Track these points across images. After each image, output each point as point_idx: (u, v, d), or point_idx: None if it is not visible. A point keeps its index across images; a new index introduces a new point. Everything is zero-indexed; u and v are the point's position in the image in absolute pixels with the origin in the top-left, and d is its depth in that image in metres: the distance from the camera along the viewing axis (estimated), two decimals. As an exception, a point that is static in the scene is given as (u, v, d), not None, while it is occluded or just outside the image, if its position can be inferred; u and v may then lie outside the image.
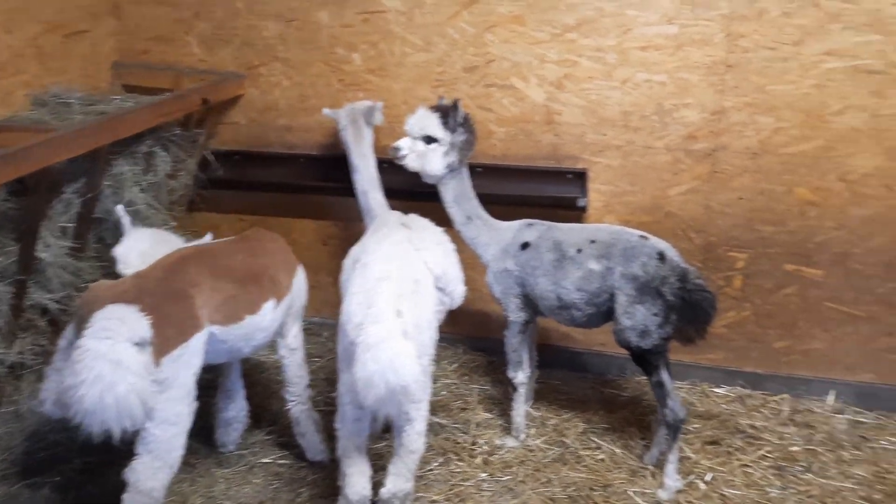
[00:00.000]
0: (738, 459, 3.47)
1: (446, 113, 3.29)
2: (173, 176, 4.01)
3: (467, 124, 3.34)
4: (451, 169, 3.34)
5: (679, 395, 3.35)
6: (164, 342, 2.56)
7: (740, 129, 3.67)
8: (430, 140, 3.30)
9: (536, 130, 3.93)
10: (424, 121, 3.31)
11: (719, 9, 3.55)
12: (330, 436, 3.00)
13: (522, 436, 3.55)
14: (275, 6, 4.09)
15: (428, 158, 3.31)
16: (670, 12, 3.61)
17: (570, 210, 3.85)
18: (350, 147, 3.60)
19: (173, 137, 3.94)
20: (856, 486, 3.32)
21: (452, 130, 3.29)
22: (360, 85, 4.06)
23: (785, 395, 3.93)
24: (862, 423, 3.77)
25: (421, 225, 3.01)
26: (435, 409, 3.76)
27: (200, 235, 3.35)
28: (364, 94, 3.97)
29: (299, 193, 4.32)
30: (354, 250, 2.88)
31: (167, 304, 2.62)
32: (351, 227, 4.08)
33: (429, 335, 2.67)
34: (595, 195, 3.93)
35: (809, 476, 3.39)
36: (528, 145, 3.95)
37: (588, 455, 3.49)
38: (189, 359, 2.64)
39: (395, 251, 2.70)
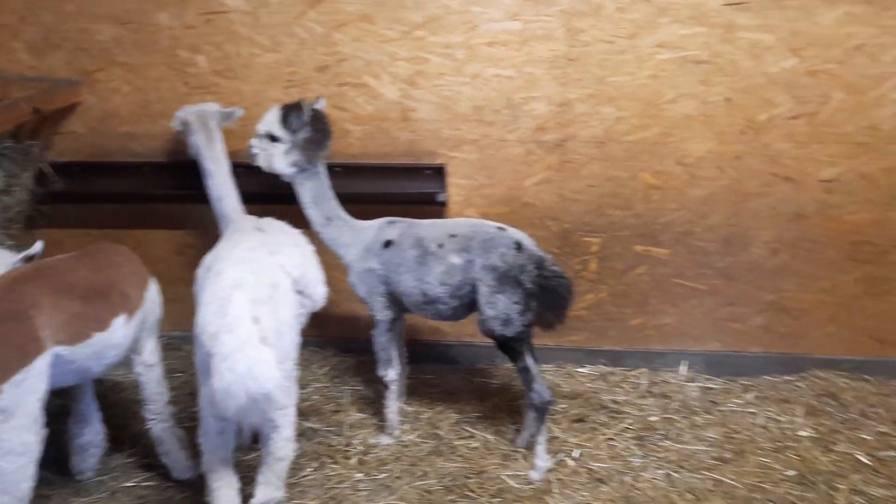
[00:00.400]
0: (602, 434, 3.64)
1: (289, 111, 3.26)
2: (6, 192, 3.73)
3: (315, 123, 3.30)
4: (299, 168, 3.31)
5: (545, 378, 3.47)
6: (3, 367, 2.38)
7: (585, 119, 3.84)
8: (273, 139, 3.28)
9: (392, 128, 3.94)
10: (267, 119, 3.30)
11: (559, 4, 3.70)
12: (196, 452, 2.89)
13: (397, 432, 3.56)
14: (108, 8, 3.87)
15: (273, 157, 3.28)
16: (513, 9, 3.72)
17: (430, 206, 3.89)
18: (202, 152, 3.48)
19: (4, 150, 3.68)
20: (708, 448, 3.57)
21: (293, 129, 3.26)
22: (208, 88, 3.92)
23: (643, 369, 4.16)
24: (711, 388, 4.05)
25: (276, 228, 2.96)
26: (306, 413, 3.71)
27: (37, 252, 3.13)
28: (212, 98, 3.83)
29: (149, 203, 4.13)
30: (207, 258, 2.79)
31: (4, 326, 2.44)
32: (207, 234, 3.94)
33: (290, 339, 2.63)
34: (454, 189, 4.00)
35: (667, 443, 3.60)
36: (385, 143, 3.96)
37: (462, 444, 3.55)
38: (33, 383, 2.47)
39: (248, 256, 2.64)
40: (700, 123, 3.80)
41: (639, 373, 4.15)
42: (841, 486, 3.29)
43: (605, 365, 4.19)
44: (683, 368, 4.15)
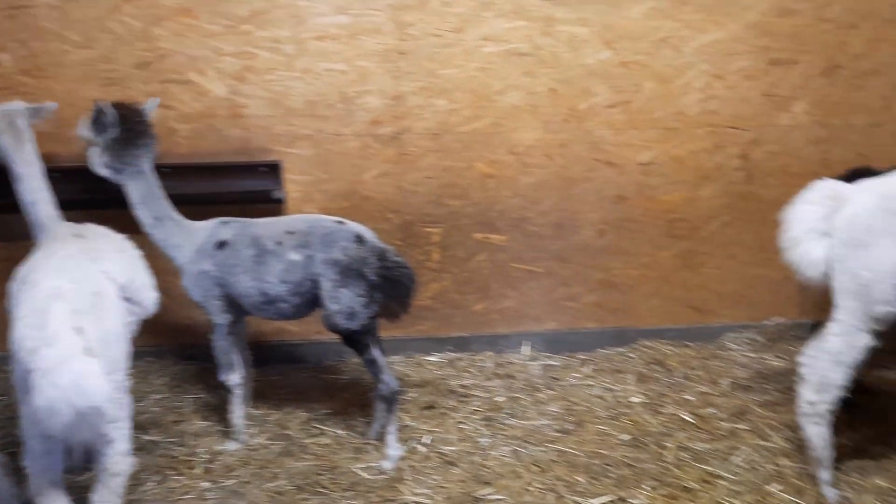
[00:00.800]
0: (452, 418, 3.73)
1: (96, 112, 3.15)
2: None
3: (126, 123, 3.16)
4: (114, 169, 3.18)
5: (392, 368, 3.50)
6: None
7: (419, 112, 3.91)
8: (89, 141, 3.18)
9: (223, 125, 3.83)
10: (81, 121, 3.20)
11: (386, -1, 3.75)
12: (22, 477, 2.68)
13: (244, 437, 3.48)
14: None
15: (91, 159, 3.16)
16: (340, 3, 3.73)
17: (267, 203, 3.82)
18: (10, 155, 3.22)
19: None
20: (551, 422, 3.75)
21: (100, 130, 3.14)
22: (14, 88, 3.63)
23: (489, 353, 4.31)
24: (553, 366, 4.26)
25: (98, 233, 2.79)
26: (145, 426, 3.54)
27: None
28: (20, 98, 3.54)
29: (-49, 215, 3.78)
30: (21, 270, 2.59)
31: None
32: (21, 245, 3.65)
33: (119, 349, 2.49)
34: (292, 186, 3.95)
35: (513, 420, 3.74)
36: (216, 141, 3.85)
37: (312, 443, 3.52)
38: None
39: (66, 265, 2.47)
40: (527, 113, 3.98)
41: (485, 356, 4.29)
42: (669, 445, 3.56)
43: (452, 351, 4.30)
44: (526, 349, 4.33)
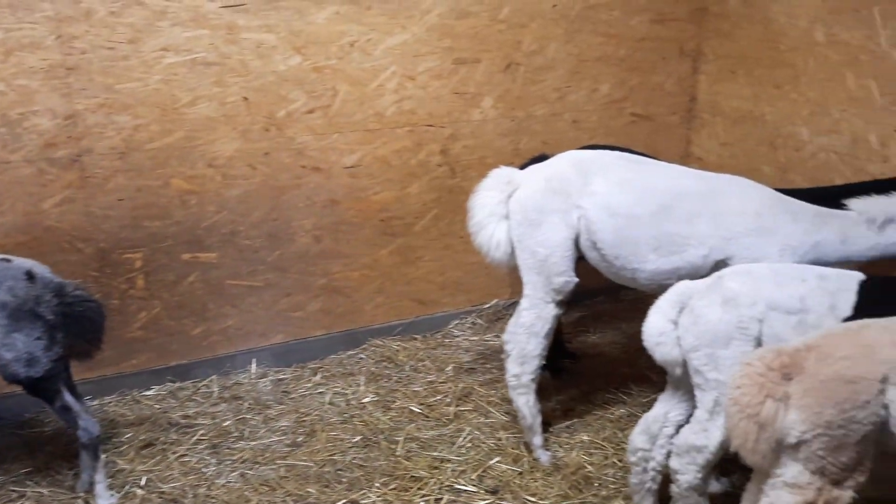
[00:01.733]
0: (174, 453, 3.52)
1: None
2: None
3: None
4: None
5: (90, 412, 3.19)
6: None
7: (100, 130, 3.61)
8: None
9: None
10: None
11: (43, 10, 3.38)
12: None
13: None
14: None
15: None
16: (-12, 15, 3.33)
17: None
18: None
19: None
20: (282, 437, 3.68)
21: None
22: None
23: (213, 377, 4.11)
24: (283, 379, 4.18)
25: None
26: None
27: None
28: None
29: None
30: None
31: None
32: None
33: None
34: (-44, 224, 3.47)
35: (242, 443, 3.62)
36: None
37: (9, 509, 3.14)
38: None
39: None
40: (223, 124, 3.84)
41: (210, 381, 4.09)
42: (399, 438, 3.65)
43: (172, 381, 4.05)
44: (253, 366, 4.20)
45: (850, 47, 3.94)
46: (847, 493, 2.33)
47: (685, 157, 5.07)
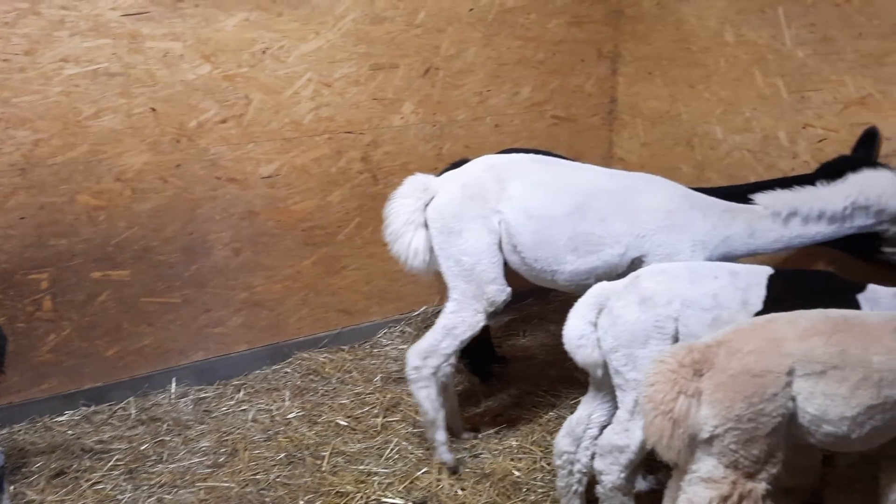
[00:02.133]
0: (87, 481, 3.36)
1: None
2: None
3: None
4: None
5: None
6: None
7: (-4, 146, 3.45)
8: None
9: None
10: None
11: (-71, 21, 3.22)
12: None
13: None
14: None
15: None
16: None
17: None
18: None
19: None
20: (203, 459, 3.55)
21: None
22: None
23: (130, 399, 3.95)
24: (204, 398, 4.04)
25: None
26: None
27: None
28: None
29: None
30: None
31: None
32: None
33: None
34: None
35: (160, 467, 3.48)
36: None
37: None
38: None
39: None
40: (130, 136, 3.70)
41: (127, 403, 3.93)
42: (324, 453, 3.56)
43: (87, 405, 3.87)
44: (173, 386, 4.05)
45: (758, 47, 4.04)
46: (761, 486, 2.35)
47: (608, 158, 5.13)
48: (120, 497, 3.27)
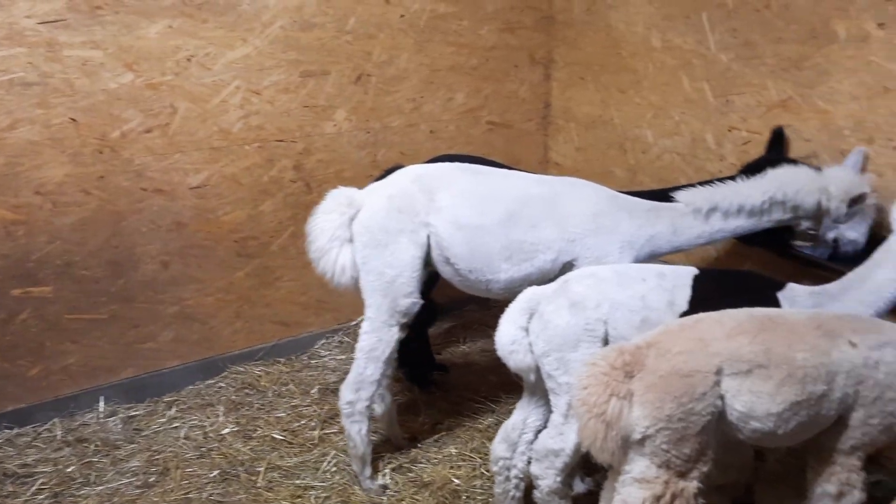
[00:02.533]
0: (12, 506, 3.22)
1: None
2: None
3: None
4: None
5: None
6: None
7: None
8: None
9: None
10: None
11: None
12: None
13: None
14: None
15: None
16: None
17: None
18: None
19: None
20: (132, 479, 3.44)
21: None
22: None
23: (56, 420, 3.80)
24: (135, 415, 3.92)
25: None
26: None
27: None
28: None
29: None
30: None
31: None
32: None
33: None
34: None
35: (87, 489, 3.37)
36: None
37: None
38: None
39: None
40: (49, 148, 3.56)
41: (52, 424, 3.78)
42: (260, 469, 3.48)
43: (10, 428, 3.72)
44: (101, 405, 3.91)
45: (684, 52, 4.12)
46: (692, 484, 2.38)
47: (544, 163, 5.16)
48: (44, 524, 3.14)
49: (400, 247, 3.11)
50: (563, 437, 2.76)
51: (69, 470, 3.47)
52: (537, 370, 2.79)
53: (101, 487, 3.36)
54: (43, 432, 3.74)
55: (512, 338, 2.75)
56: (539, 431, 2.93)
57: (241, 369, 4.29)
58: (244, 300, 4.28)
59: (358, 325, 4.59)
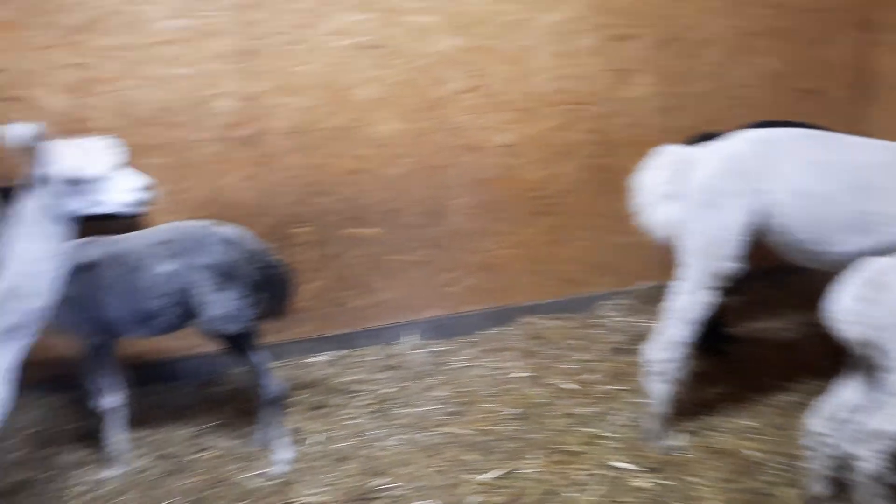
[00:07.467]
0: (341, 415, 3.72)
1: None
2: None
3: None
4: None
5: (277, 371, 3.44)
6: None
7: (276, 111, 3.85)
8: None
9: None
10: None
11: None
12: None
13: (125, 462, 3.33)
14: None
15: None
16: (178, 6, 3.60)
17: (124, 218, 3.65)
18: None
19: None
20: (440, 406, 3.80)
21: None
22: None
23: (375, 347, 4.31)
24: (438, 351, 4.31)
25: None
26: (10, 469, 3.33)
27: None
28: None
29: None
30: None
31: None
32: None
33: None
34: (150, 199, 3.79)
35: (403, 410, 3.77)
36: (61, 159, 3.64)
37: (199, 458, 3.43)
38: None
39: None
40: (385, 105, 3.99)
41: (370, 350, 4.29)
42: (553, 413, 3.68)
43: (338, 349, 4.27)
44: (410, 338, 4.36)
45: None
46: None
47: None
48: (371, 432, 3.59)
49: (731, 209, 3.06)
50: (894, 419, 2.61)
51: (388, 391, 3.93)
52: (869, 344, 2.66)
53: (413, 409, 3.76)
54: (365, 356, 4.25)
55: (849, 307, 2.64)
56: (857, 410, 2.79)
57: (530, 320, 4.53)
58: (535, 256, 4.50)
59: (633, 292, 4.73)
